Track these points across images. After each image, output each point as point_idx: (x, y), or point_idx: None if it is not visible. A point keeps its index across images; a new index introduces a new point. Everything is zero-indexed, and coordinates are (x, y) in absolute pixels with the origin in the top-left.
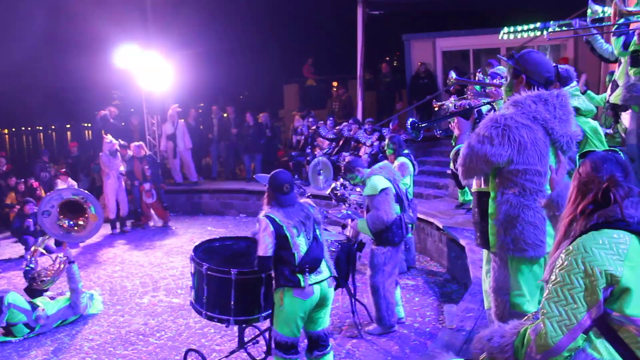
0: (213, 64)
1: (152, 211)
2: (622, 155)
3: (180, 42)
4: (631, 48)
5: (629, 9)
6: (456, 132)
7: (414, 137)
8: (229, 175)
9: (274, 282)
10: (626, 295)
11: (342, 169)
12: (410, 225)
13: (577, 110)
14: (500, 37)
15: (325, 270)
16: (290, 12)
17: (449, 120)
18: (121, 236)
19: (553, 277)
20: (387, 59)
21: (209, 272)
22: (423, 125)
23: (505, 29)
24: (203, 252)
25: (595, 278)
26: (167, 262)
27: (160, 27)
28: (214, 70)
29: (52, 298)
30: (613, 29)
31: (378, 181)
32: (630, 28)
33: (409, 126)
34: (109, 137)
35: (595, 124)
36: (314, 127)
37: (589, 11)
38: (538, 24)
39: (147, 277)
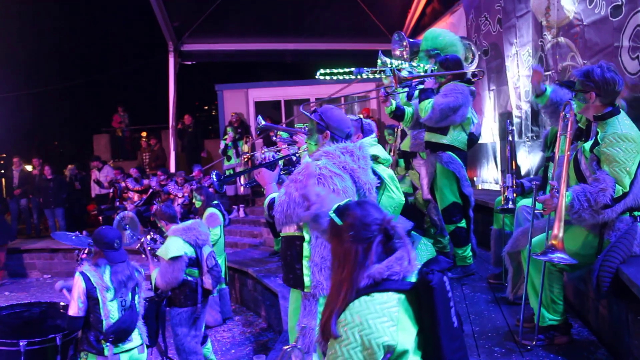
0: (13, 110)
1: None
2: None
3: None
4: (387, 110)
5: (405, 75)
6: (262, 183)
7: (218, 189)
8: (32, 233)
9: (76, 344)
10: (403, 356)
11: (152, 218)
12: (214, 288)
13: (377, 158)
14: (317, 77)
15: (137, 338)
16: (99, 60)
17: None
18: None
19: (332, 351)
20: (206, 107)
21: None
22: (226, 178)
23: (322, 70)
24: None
25: (374, 351)
26: None
27: None
28: (15, 118)
29: None
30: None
31: (172, 246)
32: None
33: (214, 179)
34: None
35: (391, 172)
36: (119, 180)
37: (379, 62)
38: (353, 69)
39: None
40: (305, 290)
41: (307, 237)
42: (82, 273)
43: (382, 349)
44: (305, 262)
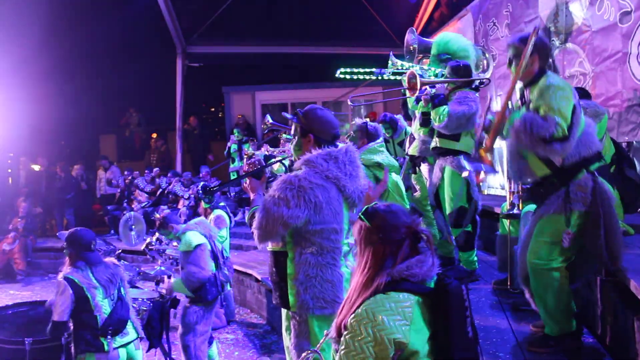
0: (20, 110)
1: None
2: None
3: None
4: (419, 109)
5: (427, 80)
6: (250, 194)
7: (207, 201)
8: (38, 232)
9: (73, 348)
10: (413, 357)
11: (156, 224)
12: (227, 283)
13: (380, 165)
14: (337, 75)
15: (132, 331)
16: (107, 61)
17: (243, 180)
18: None
19: (344, 345)
20: (213, 109)
21: None
22: (215, 188)
23: (342, 69)
24: None
25: (385, 347)
26: None
27: None
28: (22, 118)
29: None
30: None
31: (193, 237)
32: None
33: (200, 190)
34: None
35: (397, 178)
36: (129, 179)
37: (389, 63)
38: (374, 69)
39: None
40: (291, 309)
41: (290, 254)
42: (65, 278)
43: (393, 344)
44: (290, 281)
